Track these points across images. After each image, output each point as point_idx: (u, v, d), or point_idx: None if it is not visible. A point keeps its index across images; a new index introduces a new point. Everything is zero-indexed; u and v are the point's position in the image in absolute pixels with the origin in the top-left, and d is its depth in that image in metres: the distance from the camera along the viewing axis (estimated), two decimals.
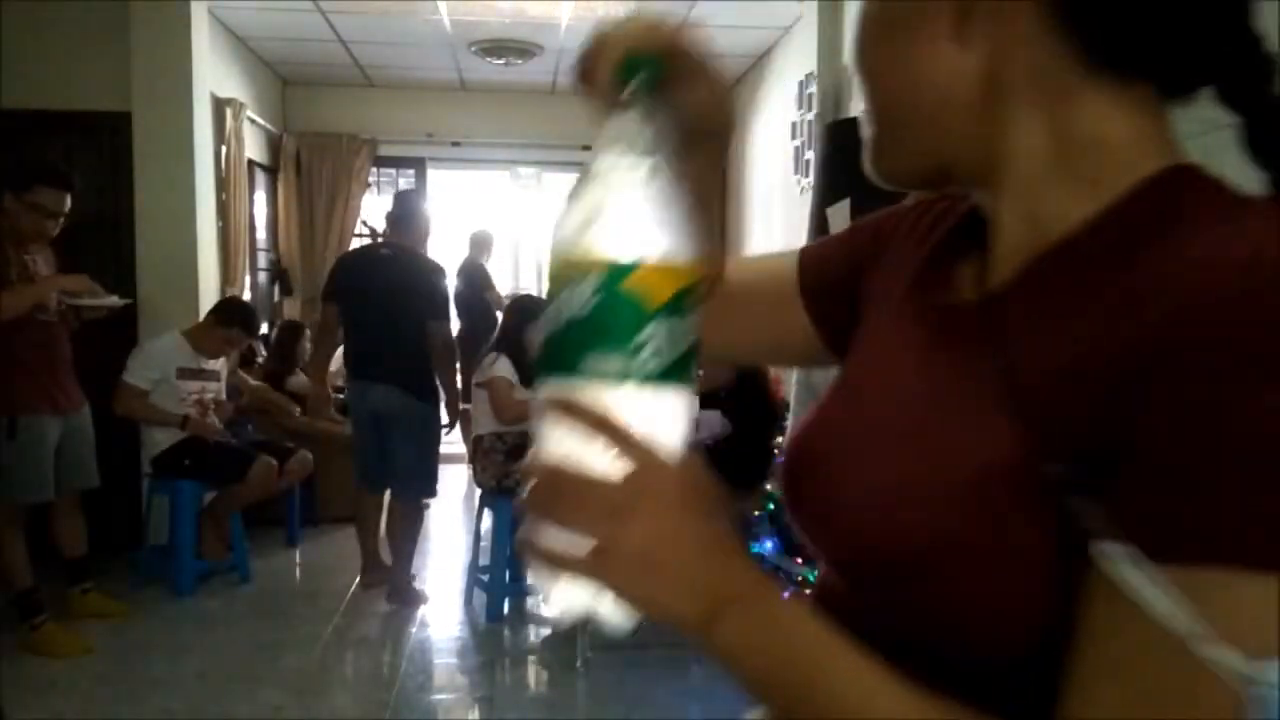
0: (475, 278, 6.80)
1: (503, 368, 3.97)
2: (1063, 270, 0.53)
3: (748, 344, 0.85)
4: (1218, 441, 0.41)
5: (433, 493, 4.30)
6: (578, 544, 0.48)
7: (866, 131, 0.62)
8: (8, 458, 3.41)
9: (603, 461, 0.49)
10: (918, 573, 0.52)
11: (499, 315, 6.76)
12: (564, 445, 0.50)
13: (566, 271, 0.51)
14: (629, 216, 0.50)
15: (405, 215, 4.26)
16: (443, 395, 4.24)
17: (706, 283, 0.52)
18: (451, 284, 6.92)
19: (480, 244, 6.97)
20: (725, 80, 0.64)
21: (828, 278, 0.76)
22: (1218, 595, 0.41)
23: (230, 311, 4.45)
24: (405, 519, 4.20)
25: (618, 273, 0.49)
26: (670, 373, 0.51)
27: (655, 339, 0.50)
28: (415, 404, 4.06)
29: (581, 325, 0.50)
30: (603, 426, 0.49)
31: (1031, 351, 0.51)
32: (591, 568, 0.48)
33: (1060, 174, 0.55)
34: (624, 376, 0.50)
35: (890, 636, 0.51)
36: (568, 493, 0.49)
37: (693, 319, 0.52)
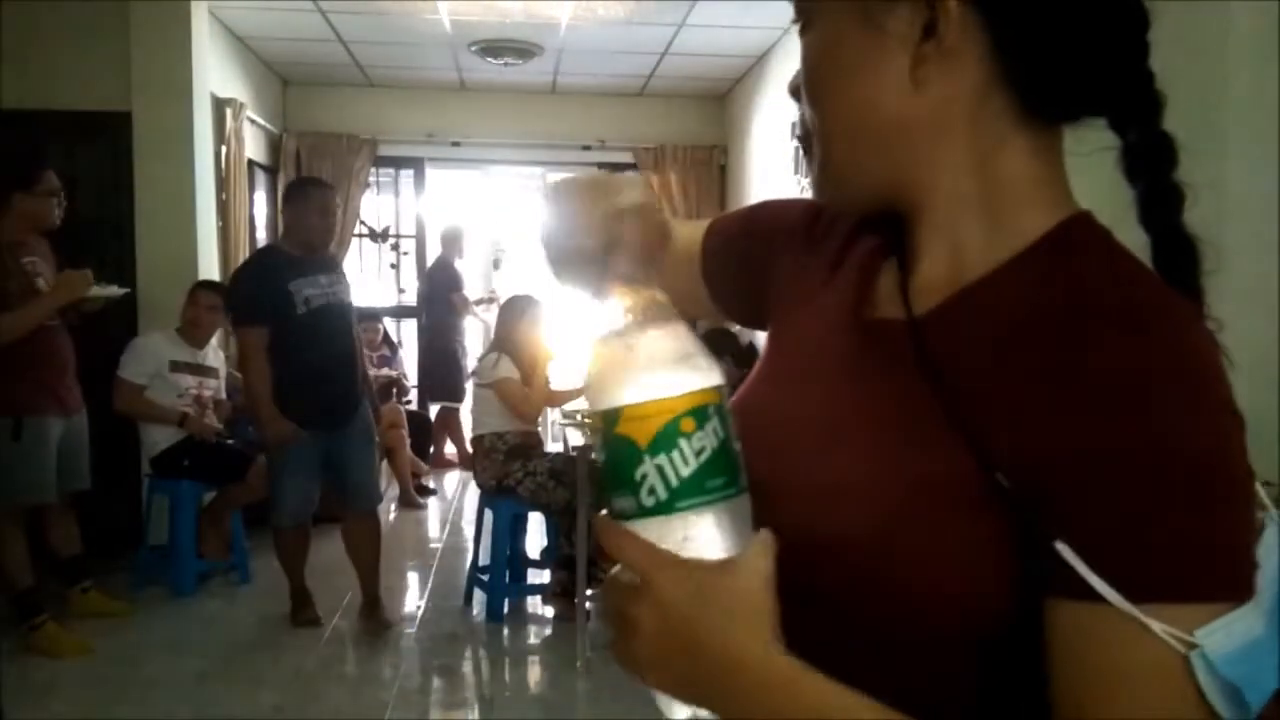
0: (441, 278, 6.74)
1: (506, 368, 3.96)
2: (984, 309, 0.59)
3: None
4: (1151, 494, 0.49)
5: (276, 521, 3.78)
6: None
7: (814, 157, 0.65)
8: (12, 459, 3.42)
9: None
10: (864, 566, 0.57)
11: (469, 317, 6.79)
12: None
13: (593, 423, 0.60)
14: (617, 368, 0.56)
15: (285, 212, 3.77)
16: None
17: (709, 402, 0.56)
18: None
19: (450, 241, 6.84)
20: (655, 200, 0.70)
21: (726, 261, 0.82)
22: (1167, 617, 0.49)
23: (193, 285, 4.44)
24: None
25: (609, 420, 0.56)
26: (681, 495, 0.54)
27: (651, 474, 0.54)
28: None
29: (602, 470, 0.58)
30: (615, 551, 0.56)
31: (959, 377, 0.57)
32: (616, 652, 0.57)
33: (982, 214, 0.61)
34: (636, 511, 0.55)
35: (835, 620, 0.58)
36: (607, 592, 0.58)
37: (698, 442, 0.55)
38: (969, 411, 0.56)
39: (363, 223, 7.11)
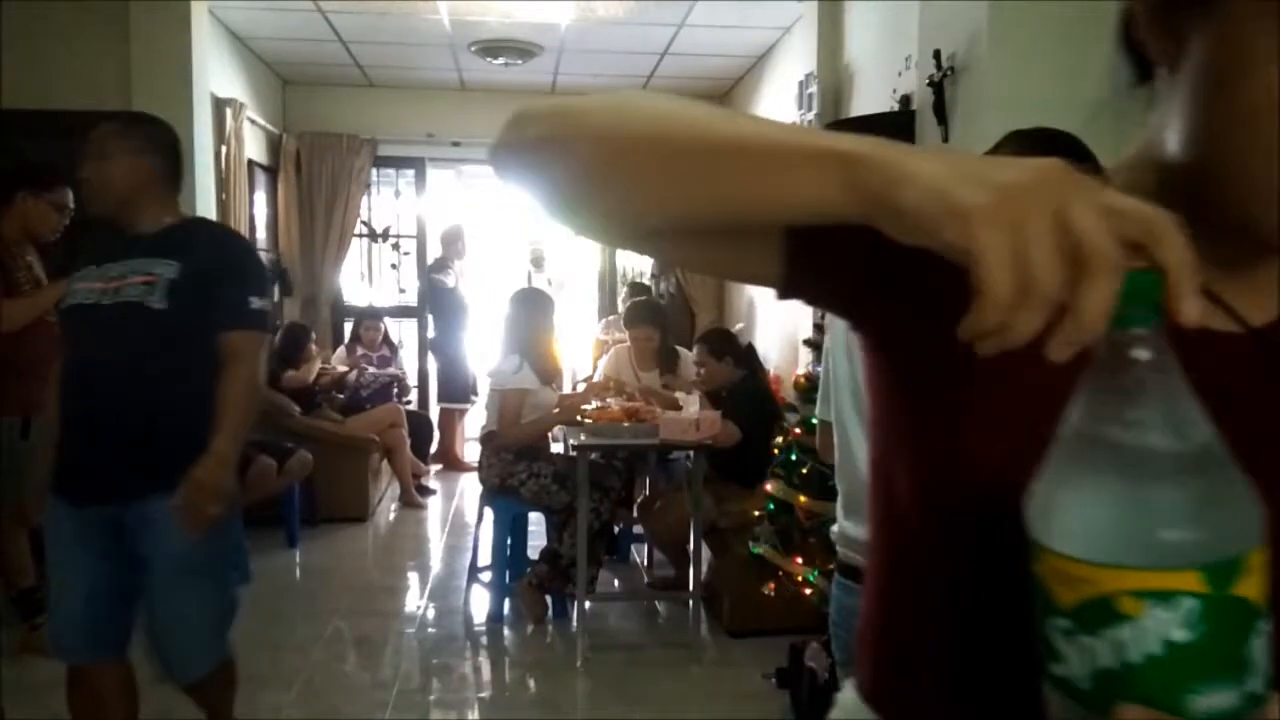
0: (441, 278, 6.77)
1: (526, 378, 3.89)
2: None
3: (704, 262, 0.73)
4: None
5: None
6: None
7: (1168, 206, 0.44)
8: (20, 458, 3.42)
9: None
10: None
11: (466, 313, 6.77)
12: None
13: (1127, 587, 0.38)
14: (1199, 502, 0.38)
15: None
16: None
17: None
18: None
19: (449, 241, 6.85)
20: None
21: (833, 232, 0.56)
22: None
23: None
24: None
25: (1220, 576, 0.38)
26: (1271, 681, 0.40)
27: (1260, 647, 0.39)
28: None
29: (1176, 656, 0.38)
30: None
31: None
32: None
33: None
34: (1244, 708, 0.39)
35: None
36: None
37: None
38: None
39: (363, 223, 7.12)
